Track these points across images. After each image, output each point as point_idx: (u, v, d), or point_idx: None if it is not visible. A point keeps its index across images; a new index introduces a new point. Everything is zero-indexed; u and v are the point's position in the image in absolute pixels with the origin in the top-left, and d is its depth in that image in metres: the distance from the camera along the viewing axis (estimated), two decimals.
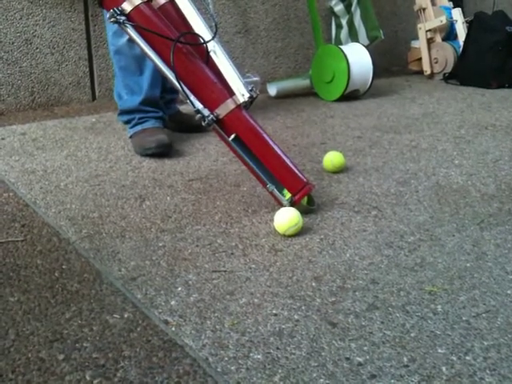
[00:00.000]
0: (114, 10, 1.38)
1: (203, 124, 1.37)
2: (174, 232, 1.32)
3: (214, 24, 1.41)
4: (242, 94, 1.38)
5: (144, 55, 1.85)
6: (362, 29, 3.07)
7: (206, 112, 1.36)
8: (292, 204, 1.36)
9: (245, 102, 1.39)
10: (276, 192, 1.38)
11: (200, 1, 1.58)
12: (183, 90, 1.37)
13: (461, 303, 1.03)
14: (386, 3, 3.59)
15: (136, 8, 1.39)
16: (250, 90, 1.39)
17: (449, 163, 1.80)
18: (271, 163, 1.38)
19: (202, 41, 1.39)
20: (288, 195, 1.37)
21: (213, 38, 1.40)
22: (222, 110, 1.37)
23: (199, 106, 1.37)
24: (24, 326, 0.97)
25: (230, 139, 1.37)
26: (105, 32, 2.56)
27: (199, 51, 1.41)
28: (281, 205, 1.38)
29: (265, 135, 1.40)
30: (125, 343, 0.92)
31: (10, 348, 0.91)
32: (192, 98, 1.37)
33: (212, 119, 1.36)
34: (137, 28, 1.39)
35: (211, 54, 1.41)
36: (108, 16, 1.39)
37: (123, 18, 1.38)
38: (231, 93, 1.38)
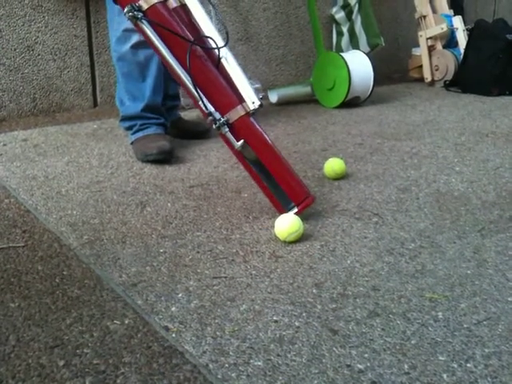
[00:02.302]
0: (131, 5, 1.36)
1: (214, 127, 1.37)
2: (175, 238, 1.32)
3: (225, 32, 1.41)
4: (252, 101, 1.38)
5: (147, 61, 1.88)
6: (362, 36, 3.08)
7: (217, 115, 1.36)
8: (296, 213, 1.36)
9: (254, 110, 1.39)
10: (229, 135, 1.37)
11: (208, 10, 1.58)
12: (197, 92, 1.36)
13: (461, 310, 1.03)
14: (386, 11, 3.61)
15: (152, 6, 1.37)
16: (261, 98, 1.40)
17: (449, 170, 1.80)
18: (278, 172, 1.39)
19: (216, 46, 1.39)
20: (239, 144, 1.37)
21: (225, 45, 1.40)
22: (232, 116, 1.37)
23: (211, 108, 1.37)
24: (24, 332, 0.97)
25: (239, 145, 1.37)
26: (107, 39, 2.57)
27: (210, 57, 1.41)
28: (281, 212, 1.38)
29: (272, 144, 1.40)
30: (125, 349, 0.92)
31: (10, 354, 0.91)
32: (204, 100, 1.37)
33: (223, 122, 1.36)
34: (153, 25, 1.38)
35: (223, 60, 1.41)
36: (126, 10, 1.37)
37: (141, 14, 1.37)
38: (241, 99, 1.39)
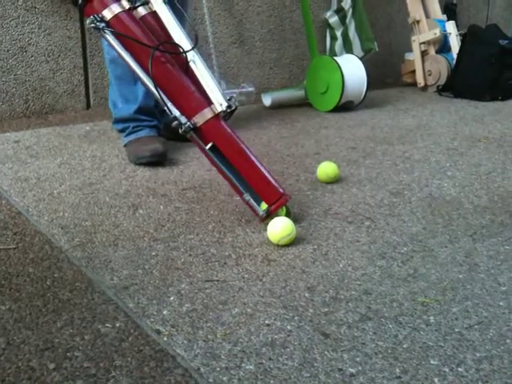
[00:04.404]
0: (93, 16, 1.38)
1: (180, 132, 1.37)
2: (167, 241, 1.32)
3: (194, 34, 1.42)
4: (220, 103, 1.38)
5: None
6: (356, 40, 3.10)
7: (183, 119, 1.36)
8: (268, 215, 1.35)
9: (224, 112, 1.38)
10: (252, 202, 1.36)
11: (182, 12, 1.58)
12: (161, 97, 1.37)
13: (453, 314, 1.03)
14: (380, 15, 3.62)
15: (116, 16, 1.40)
16: (229, 100, 1.39)
17: (442, 175, 1.81)
18: (248, 173, 1.37)
19: (182, 50, 1.40)
20: (264, 206, 1.36)
21: (193, 48, 1.41)
22: (200, 119, 1.37)
23: (176, 113, 1.37)
24: (15, 335, 0.96)
25: (207, 148, 1.38)
26: (100, 40, 2.57)
27: (178, 61, 1.42)
28: (257, 215, 1.37)
29: (242, 145, 1.39)
30: (116, 353, 0.92)
31: (0, 357, 0.90)
32: (169, 104, 1.37)
33: (189, 126, 1.36)
34: (116, 35, 1.39)
35: (191, 63, 1.42)
36: (88, 22, 1.40)
37: (103, 24, 1.39)
38: (209, 102, 1.39)
